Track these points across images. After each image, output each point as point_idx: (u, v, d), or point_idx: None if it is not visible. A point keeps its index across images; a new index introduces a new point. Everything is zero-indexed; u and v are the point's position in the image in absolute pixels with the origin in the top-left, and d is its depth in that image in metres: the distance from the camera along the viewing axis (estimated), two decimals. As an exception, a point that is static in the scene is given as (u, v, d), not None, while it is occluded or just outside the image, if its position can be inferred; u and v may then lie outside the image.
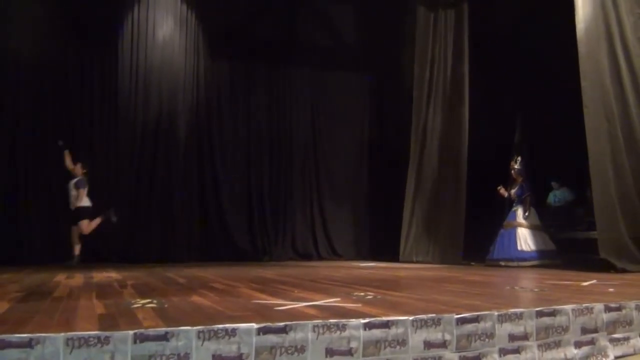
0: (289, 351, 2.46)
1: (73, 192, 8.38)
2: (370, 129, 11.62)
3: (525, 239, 8.37)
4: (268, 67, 10.90)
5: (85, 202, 8.36)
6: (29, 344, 2.17)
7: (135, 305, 3.30)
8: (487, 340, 2.82)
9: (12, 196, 9.13)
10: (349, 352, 2.54)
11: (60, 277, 5.72)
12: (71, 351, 2.19)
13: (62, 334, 2.22)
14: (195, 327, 2.36)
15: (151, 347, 2.28)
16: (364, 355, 2.56)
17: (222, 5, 10.37)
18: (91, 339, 2.23)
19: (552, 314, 3.06)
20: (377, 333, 2.60)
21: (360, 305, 3.31)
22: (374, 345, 2.59)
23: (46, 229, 9.15)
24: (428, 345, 2.68)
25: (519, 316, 2.95)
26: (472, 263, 8.68)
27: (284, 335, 2.46)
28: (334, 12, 11.31)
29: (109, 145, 9.74)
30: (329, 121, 11.32)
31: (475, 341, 2.79)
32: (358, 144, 11.54)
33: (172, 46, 10.10)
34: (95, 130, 9.73)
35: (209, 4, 10.31)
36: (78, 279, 5.58)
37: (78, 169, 8.45)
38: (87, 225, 8.32)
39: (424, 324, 2.70)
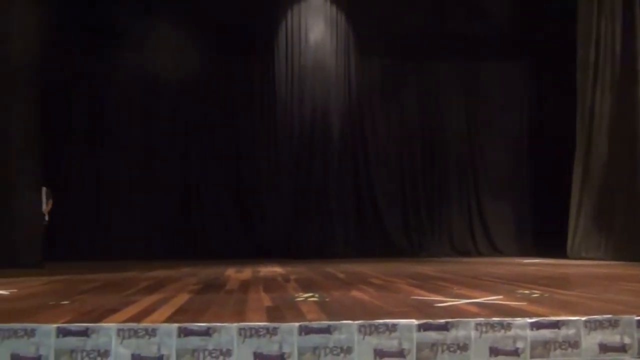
0: (451, 349, 2.42)
1: None
2: (529, 118, 10.98)
3: None
4: (418, 60, 10.78)
5: None
6: (207, 333, 2.37)
7: (299, 299, 3.46)
8: (675, 345, 2.53)
9: (186, 197, 10.11)
10: (515, 352, 2.43)
11: (231, 272, 6.17)
12: (244, 340, 2.36)
13: (235, 324, 2.39)
14: (356, 322, 2.41)
15: (315, 339, 2.37)
16: (531, 357, 2.44)
17: (370, 2, 10.48)
18: (261, 329, 2.38)
19: None
20: (545, 333, 2.46)
21: (525, 303, 3.16)
22: (543, 346, 2.45)
23: (217, 227, 10.01)
24: (604, 348, 2.48)
25: None
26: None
27: (445, 332, 2.43)
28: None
29: (269, 146, 10.34)
30: (484, 111, 10.90)
31: (662, 346, 2.52)
32: (517, 134, 10.96)
33: (324, 48, 10.44)
34: (257, 131, 10.37)
35: (358, 3, 10.47)
36: (246, 273, 5.97)
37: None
38: None
39: (599, 325, 2.50)
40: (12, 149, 7.42)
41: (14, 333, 2.35)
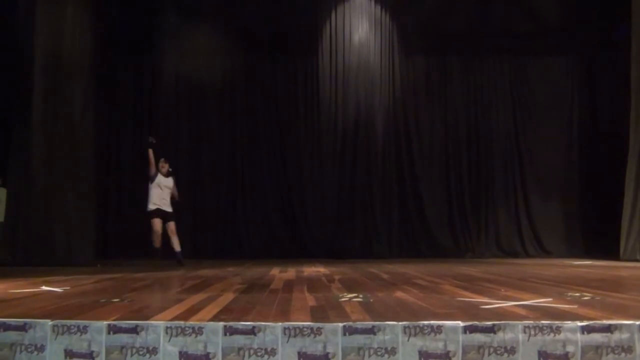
0: (498, 352, 2.37)
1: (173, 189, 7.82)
2: (579, 116, 10.66)
3: None
4: (463, 57, 10.63)
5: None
6: (252, 332, 2.40)
7: (343, 299, 3.45)
8: None
9: (232, 198, 10.25)
10: (565, 357, 2.37)
11: (275, 271, 6.22)
12: (288, 340, 2.37)
13: (280, 323, 2.41)
14: (401, 323, 2.39)
15: (359, 339, 2.37)
16: (582, 361, 2.36)
17: (415, 1, 10.40)
18: (305, 329, 2.39)
19: None
20: (597, 337, 2.38)
21: (576, 306, 3.07)
22: (594, 351, 2.38)
23: (262, 227, 10.15)
24: (660, 354, 2.39)
25: None
26: None
27: (492, 335, 2.38)
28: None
29: (313, 146, 10.37)
30: (532, 110, 10.64)
31: None
32: (566, 132, 10.66)
33: (368, 47, 10.42)
34: (301, 130, 10.42)
35: (402, 1, 10.40)
36: (290, 273, 6.01)
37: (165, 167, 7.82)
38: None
39: (654, 329, 2.41)
40: (64, 153, 7.69)
41: (68, 329, 2.43)
